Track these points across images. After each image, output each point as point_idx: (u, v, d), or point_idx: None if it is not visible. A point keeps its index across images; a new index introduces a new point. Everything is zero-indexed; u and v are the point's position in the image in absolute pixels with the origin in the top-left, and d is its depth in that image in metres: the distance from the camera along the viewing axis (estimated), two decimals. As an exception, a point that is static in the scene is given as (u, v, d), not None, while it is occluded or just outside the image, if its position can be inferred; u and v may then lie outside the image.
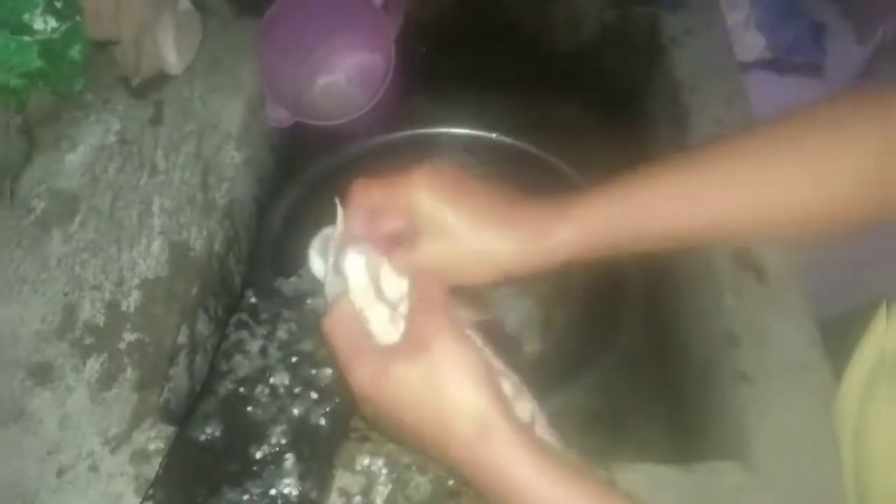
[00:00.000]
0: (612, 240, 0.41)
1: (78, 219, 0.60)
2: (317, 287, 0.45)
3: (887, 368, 0.51)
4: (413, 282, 0.41)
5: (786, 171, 0.40)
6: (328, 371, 0.51)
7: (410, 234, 0.41)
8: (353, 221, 0.43)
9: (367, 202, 0.42)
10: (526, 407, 0.41)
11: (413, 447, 0.42)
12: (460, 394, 0.37)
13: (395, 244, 0.42)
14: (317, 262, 0.45)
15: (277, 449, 0.47)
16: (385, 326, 0.41)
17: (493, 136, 0.76)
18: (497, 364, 0.42)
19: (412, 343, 0.38)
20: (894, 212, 0.40)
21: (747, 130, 0.48)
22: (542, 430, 0.41)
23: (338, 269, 0.41)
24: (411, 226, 0.41)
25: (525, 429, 0.38)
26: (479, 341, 0.42)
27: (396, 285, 0.42)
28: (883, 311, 0.53)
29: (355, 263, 0.41)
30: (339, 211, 0.43)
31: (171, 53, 0.66)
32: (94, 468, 0.49)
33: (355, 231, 0.42)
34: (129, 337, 0.54)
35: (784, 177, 0.40)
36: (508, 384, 0.41)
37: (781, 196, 0.40)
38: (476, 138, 0.76)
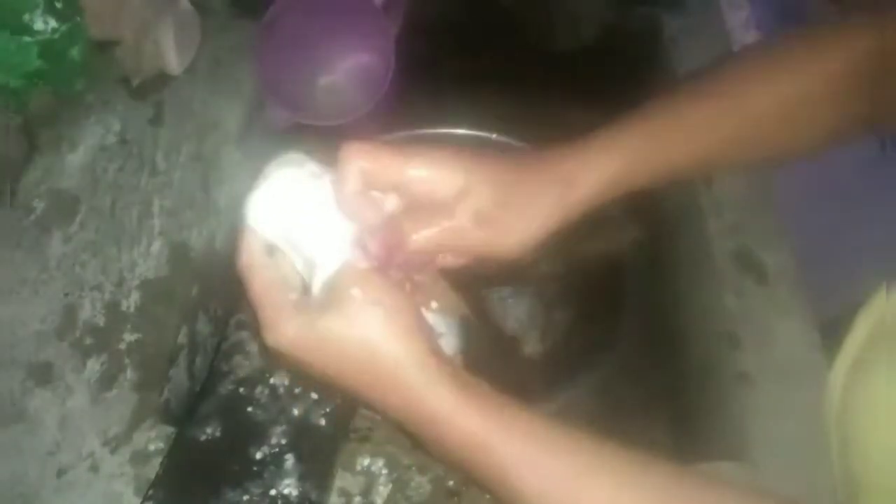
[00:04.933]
0: (632, 178, 0.43)
1: (78, 219, 0.60)
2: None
3: (888, 334, 0.50)
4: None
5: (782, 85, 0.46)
6: (328, 371, 0.51)
7: (413, 210, 0.39)
8: (346, 184, 0.39)
9: (360, 167, 0.39)
10: (450, 343, 0.42)
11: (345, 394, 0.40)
12: (382, 339, 0.36)
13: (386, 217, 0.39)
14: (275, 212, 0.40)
15: (277, 449, 0.48)
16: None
17: (493, 136, 0.76)
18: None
19: (334, 297, 0.36)
20: (880, 127, 0.46)
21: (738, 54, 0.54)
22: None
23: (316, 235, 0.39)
24: (411, 202, 0.39)
25: (449, 364, 0.37)
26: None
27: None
28: (882, 289, 0.53)
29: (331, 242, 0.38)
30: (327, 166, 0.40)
31: (171, 54, 0.66)
32: (94, 468, 0.49)
33: (348, 198, 0.39)
34: (129, 337, 0.54)
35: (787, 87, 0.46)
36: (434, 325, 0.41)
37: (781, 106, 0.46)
38: (475, 138, 0.76)
